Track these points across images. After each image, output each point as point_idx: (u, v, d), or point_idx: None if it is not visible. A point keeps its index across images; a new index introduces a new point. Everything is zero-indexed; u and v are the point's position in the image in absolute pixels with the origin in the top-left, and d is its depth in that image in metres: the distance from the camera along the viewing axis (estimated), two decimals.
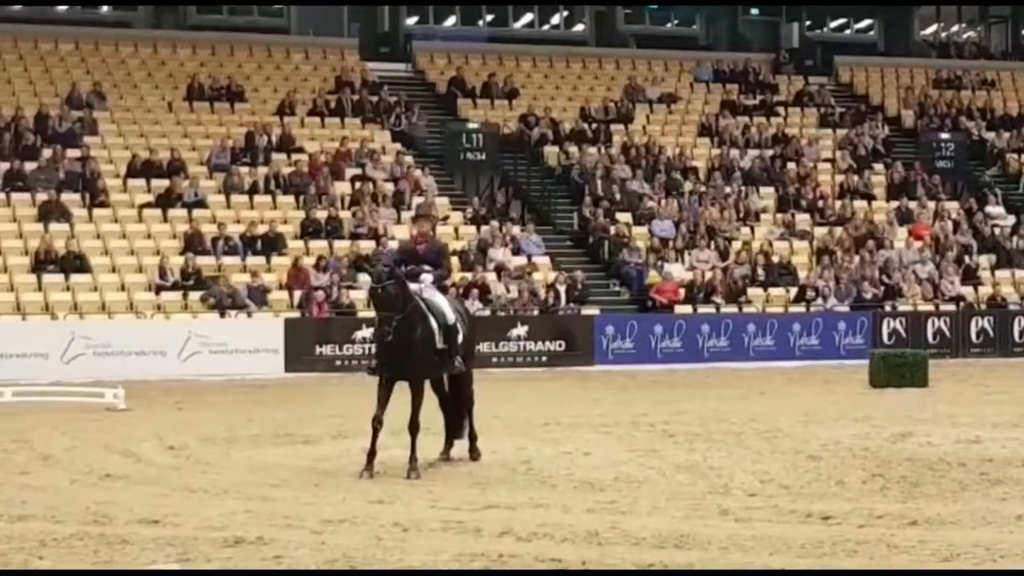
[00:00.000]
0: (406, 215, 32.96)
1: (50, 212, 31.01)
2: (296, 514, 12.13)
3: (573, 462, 15.21)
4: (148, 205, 32.12)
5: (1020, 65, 47.00)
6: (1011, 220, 37.79)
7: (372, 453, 14.30)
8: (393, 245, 30.93)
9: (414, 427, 14.37)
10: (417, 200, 33.06)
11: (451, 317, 14.83)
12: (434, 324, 14.60)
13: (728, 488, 13.50)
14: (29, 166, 32.32)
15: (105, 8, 42.01)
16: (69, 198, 31.61)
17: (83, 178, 32.25)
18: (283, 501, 12.87)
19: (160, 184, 32.48)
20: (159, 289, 29.52)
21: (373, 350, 15.73)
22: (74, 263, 29.62)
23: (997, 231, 37.19)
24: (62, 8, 41.25)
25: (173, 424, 19.26)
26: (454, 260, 31.15)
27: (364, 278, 14.33)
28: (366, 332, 27.57)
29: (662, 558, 10.29)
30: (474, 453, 15.49)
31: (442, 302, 14.96)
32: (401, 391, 14.61)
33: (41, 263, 29.56)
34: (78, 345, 27.42)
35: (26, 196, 31.53)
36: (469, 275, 31.18)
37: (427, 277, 14.89)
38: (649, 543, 10.82)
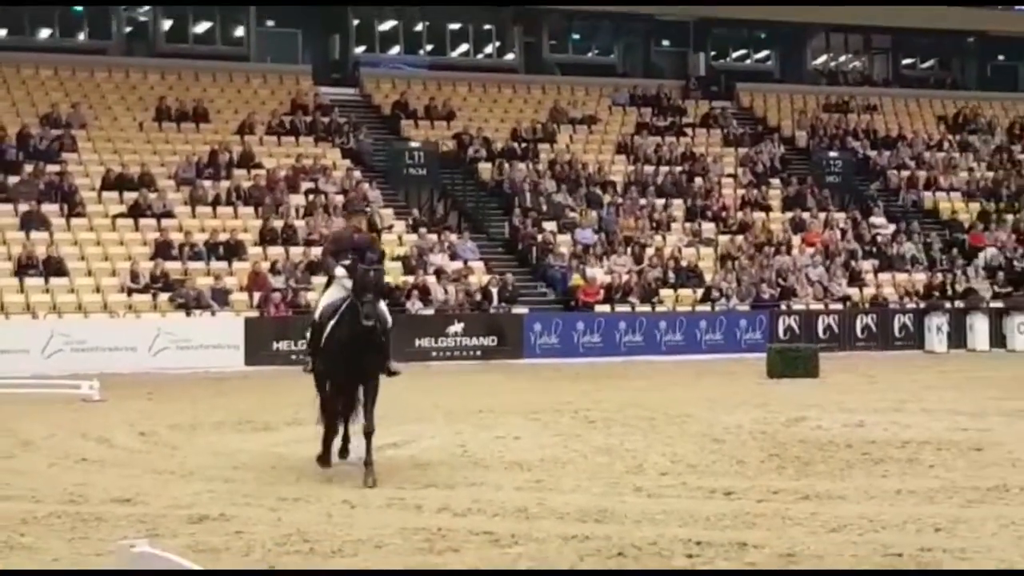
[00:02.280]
0: None
1: (31, 221, 30.62)
2: (255, 493, 12.07)
3: (505, 445, 15.21)
4: (121, 215, 31.79)
5: (900, 92, 47.46)
6: (892, 229, 38.19)
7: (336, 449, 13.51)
8: None
9: (370, 430, 12.75)
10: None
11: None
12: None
13: (642, 468, 13.55)
14: (12, 179, 31.93)
15: (82, 36, 41.51)
16: (49, 208, 31.23)
17: (61, 190, 31.87)
18: (243, 482, 12.80)
19: (132, 196, 32.17)
20: (131, 291, 29.24)
21: (326, 345, 12.95)
22: (53, 267, 29.28)
23: (879, 239, 37.56)
24: (43, 36, 40.72)
25: (143, 413, 19.08)
26: (397, 264, 31.14)
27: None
28: None
29: (584, 530, 10.32)
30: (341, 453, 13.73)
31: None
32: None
33: (23, 267, 29.19)
34: (57, 342, 27.10)
35: (9, 207, 31.15)
36: (411, 278, 31.11)
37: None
38: (572, 517, 10.85)
